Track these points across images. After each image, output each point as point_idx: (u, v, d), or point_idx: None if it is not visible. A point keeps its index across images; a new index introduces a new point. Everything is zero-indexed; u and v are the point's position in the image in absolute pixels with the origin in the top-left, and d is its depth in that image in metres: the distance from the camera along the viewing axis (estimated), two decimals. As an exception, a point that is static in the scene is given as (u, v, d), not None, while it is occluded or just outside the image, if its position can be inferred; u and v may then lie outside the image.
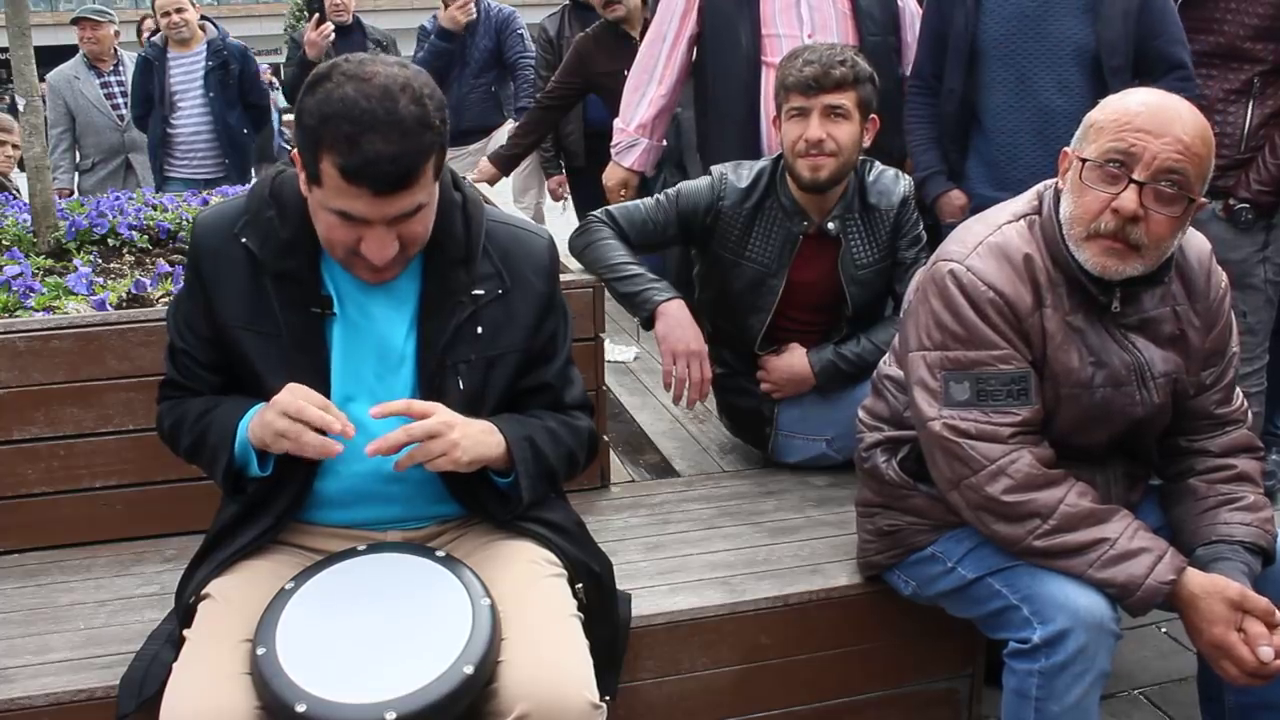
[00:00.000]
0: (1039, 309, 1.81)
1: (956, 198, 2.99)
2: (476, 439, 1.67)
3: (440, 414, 1.63)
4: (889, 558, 2.09)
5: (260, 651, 1.53)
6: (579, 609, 1.72)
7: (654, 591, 2.16)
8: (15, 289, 2.45)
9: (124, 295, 2.46)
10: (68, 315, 2.32)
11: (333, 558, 1.71)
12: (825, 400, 2.63)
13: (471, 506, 1.79)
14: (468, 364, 1.72)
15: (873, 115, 2.51)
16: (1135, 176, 1.70)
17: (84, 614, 2.10)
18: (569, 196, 5.07)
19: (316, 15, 5.27)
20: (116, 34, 5.59)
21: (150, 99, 5.11)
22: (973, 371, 1.81)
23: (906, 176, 2.67)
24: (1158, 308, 1.86)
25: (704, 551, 2.33)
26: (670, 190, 2.61)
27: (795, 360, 2.63)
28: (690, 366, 2.44)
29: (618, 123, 3.40)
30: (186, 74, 5.10)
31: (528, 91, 4.98)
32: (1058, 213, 1.82)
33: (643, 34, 3.53)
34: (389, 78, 1.51)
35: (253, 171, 5.57)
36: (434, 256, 1.70)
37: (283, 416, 1.57)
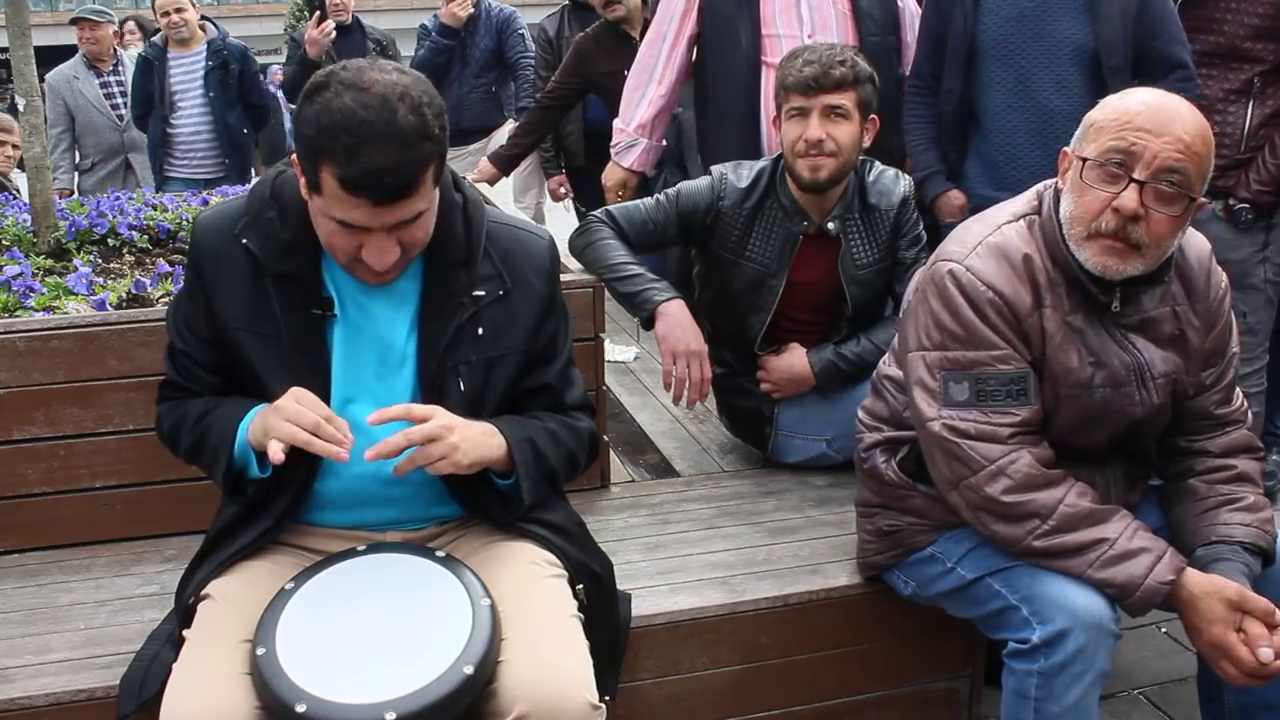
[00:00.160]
0: (1038, 309, 1.81)
1: (955, 198, 2.99)
2: (477, 441, 1.66)
3: (440, 417, 1.63)
4: (889, 558, 2.09)
5: (260, 652, 1.53)
6: (579, 609, 1.72)
7: (654, 591, 2.16)
8: (15, 289, 2.45)
9: (124, 295, 2.46)
10: (68, 315, 2.32)
11: (332, 558, 1.71)
12: (825, 400, 2.63)
13: (472, 508, 1.79)
14: (468, 365, 1.72)
15: (873, 115, 2.51)
16: (1136, 176, 1.70)
17: (84, 614, 2.10)
18: (571, 196, 5.07)
19: (318, 13, 5.27)
20: (116, 34, 5.59)
21: (150, 99, 5.11)
22: (972, 372, 1.80)
23: (906, 176, 2.67)
24: (1157, 308, 1.86)
25: (704, 551, 2.33)
26: (670, 190, 2.61)
27: (795, 360, 2.63)
28: (690, 366, 2.44)
29: (617, 123, 3.40)
30: (186, 74, 5.10)
31: (528, 91, 4.98)
32: (1057, 213, 1.82)
33: (643, 34, 3.52)
34: (387, 86, 1.50)
35: (261, 169, 5.56)
36: (435, 257, 1.70)
37: (286, 424, 1.57)
